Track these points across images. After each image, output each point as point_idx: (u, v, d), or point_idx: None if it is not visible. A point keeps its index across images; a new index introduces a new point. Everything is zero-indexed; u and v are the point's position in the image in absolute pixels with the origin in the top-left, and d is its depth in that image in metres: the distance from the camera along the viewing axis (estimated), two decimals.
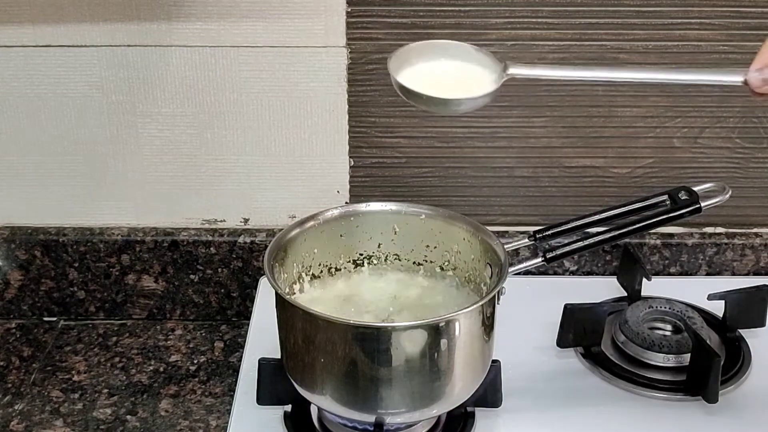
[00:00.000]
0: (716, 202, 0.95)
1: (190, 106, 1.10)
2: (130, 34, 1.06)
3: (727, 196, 0.95)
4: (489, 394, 0.94)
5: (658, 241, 1.17)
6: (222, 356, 1.11)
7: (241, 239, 1.15)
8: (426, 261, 0.99)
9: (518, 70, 0.81)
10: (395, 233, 0.97)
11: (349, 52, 1.08)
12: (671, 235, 1.17)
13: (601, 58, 1.08)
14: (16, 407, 1.02)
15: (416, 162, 1.14)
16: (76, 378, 1.07)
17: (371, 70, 1.09)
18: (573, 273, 1.19)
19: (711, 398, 0.94)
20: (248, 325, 1.09)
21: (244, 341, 1.06)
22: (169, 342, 1.14)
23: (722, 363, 0.96)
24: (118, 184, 1.14)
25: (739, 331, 1.06)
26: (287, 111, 1.11)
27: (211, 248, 1.15)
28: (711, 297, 1.06)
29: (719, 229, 1.18)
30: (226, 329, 1.16)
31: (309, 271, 0.97)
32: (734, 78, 0.80)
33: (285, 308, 0.86)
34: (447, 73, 0.83)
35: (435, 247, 0.97)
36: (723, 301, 1.06)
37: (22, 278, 1.16)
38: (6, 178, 1.14)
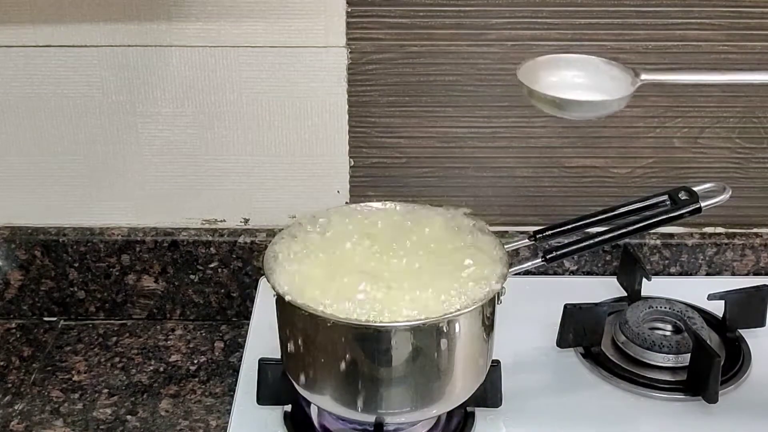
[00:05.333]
0: (716, 202, 0.94)
1: (190, 106, 1.10)
2: (130, 34, 1.07)
3: (727, 196, 0.95)
4: (489, 394, 0.94)
5: (658, 241, 1.17)
6: (222, 356, 1.11)
7: (241, 239, 1.15)
8: None
9: (650, 76, 0.84)
10: None
11: (349, 52, 1.08)
12: (671, 235, 1.17)
13: None
14: (16, 407, 1.02)
15: (416, 162, 1.14)
16: (76, 378, 1.07)
17: (371, 70, 1.09)
18: (573, 273, 1.19)
19: (711, 398, 0.94)
20: (248, 325, 1.09)
21: (244, 341, 1.06)
22: (169, 342, 1.14)
23: (722, 363, 0.96)
24: (118, 184, 1.14)
25: (739, 331, 1.06)
26: (287, 111, 1.11)
27: (211, 248, 1.15)
28: (711, 297, 1.06)
29: (719, 229, 1.18)
30: (226, 329, 1.16)
31: None
32: None
33: (285, 308, 0.86)
34: (578, 84, 0.85)
35: None
36: (723, 301, 1.06)
37: (22, 278, 1.16)
38: (6, 178, 1.14)
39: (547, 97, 0.83)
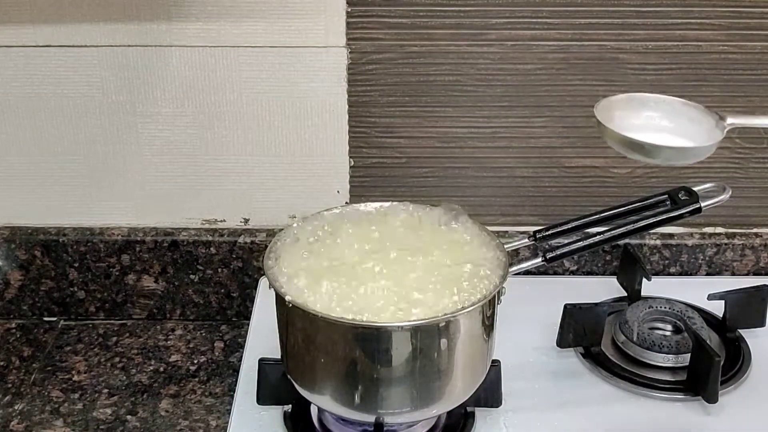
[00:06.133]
0: (716, 202, 0.95)
1: (190, 106, 1.10)
2: (130, 34, 1.07)
3: (727, 196, 0.95)
4: (489, 394, 0.94)
5: (658, 241, 1.17)
6: (222, 356, 1.11)
7: (241, 239, 1.15)
8: None
9: (738, 120, 0.82)
10: None
11: (349, 52, 1.08)
12: (671, 235, 1.17)
13: (600, 58, 1.08)
14: (16, 407, 1.02)
15: (416, 162, 1.14)
16: (76, 378, 1.07)
17: (371, 70, 1.09)
18: (573, 273, 1.19)
19: (711, 398, 0.94)
20: (248, 325, 1.09)
21: (244, 341, 1.06)
22: (169, 342, 1.14)
23: (722, 363, 0.96)
24: (118, 184, 1.14)
25: (739, 331, 1.06)
26: (287, 111, 1.11)
27: (211, 248, 1.15)
28: (711, 297, 1.06)
29: (719, 229, 1.18)
30: (226, 329, 1.16)
31: None
32: None
33: (285, 308, 0.86)
34: (658, 126, 0.84)
35: None
36: (723, 301, 1.06)
37: (22, 278, 1.16)
38: (6, 178, 1.14)
39: (636, 142, 0.81)
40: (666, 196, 0.96)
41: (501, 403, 0.94)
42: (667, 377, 0.99)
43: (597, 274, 1.19)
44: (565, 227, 0.97)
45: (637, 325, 1.02)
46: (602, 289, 1.13)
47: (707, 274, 1.19)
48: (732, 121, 0.82)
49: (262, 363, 0.95)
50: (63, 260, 1.15)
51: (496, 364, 0.93)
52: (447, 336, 0.83)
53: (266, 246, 0.91)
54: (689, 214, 0.94)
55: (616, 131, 0.82)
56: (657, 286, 1.09)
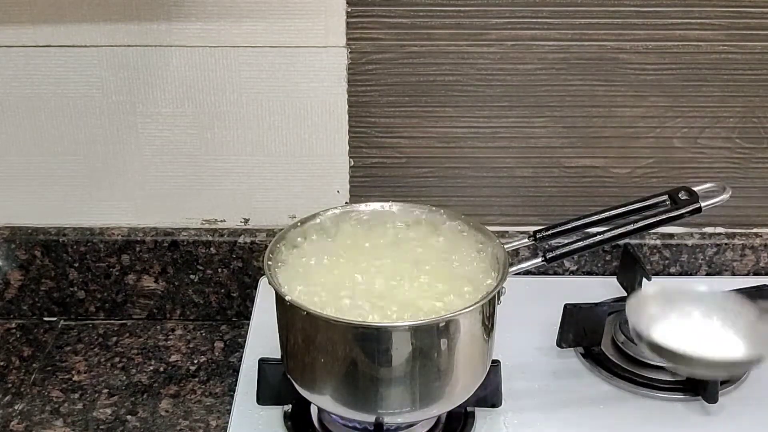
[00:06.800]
0: (716, 202, 0.95)
1: (190, 106, 1.10)
2: (130, 34, 1.07)
3: (727, 196, 0.95)
4: (489, 394, 0.94)
5: (658, 241, 1.17)
6: (222, 356, 1.11)
7: (241, 239, 1.15)
8: None
9: None
10: None
11: (349, 52, 1.08)
12: (671, 235, 1.17)
13: (600, 58, 1.08)
14: (16, 407, 1.02)
15: (416, 162, 1.14)
16: (76, 378, 1.07)
17: (371, 70, 1.09)
18: (573, 273, 1.19)
19: (711, 398, 0.94)
20: (248, 325, 1.09)
21: (244, 341, 1.06)
22: (169, 342, 1.14)
23: None
24: (118, 184, 1.14)
25: None
26: (287, 111, 1.11)
27: (211, 248, 1.15)
28: None
29: (719, 229, 1.18)
30: (226, 329, 1.16)
31: None
32: None
33: (285, 308, 0.86)
34: (700, 325, 0.82)
35: None
36: None
37: (22, 278, 1.16)
38: (6, 178, 1.14)
39: (693, 359, 0.77)
40: (666, 196, 0.96)
41: (501, 403, 0.94)
42: (667, 377, 0.99)
43: (597, 274, 1.19)
44: (565, 227, 0.97)
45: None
46: (602, 289, 1.13)
47: (707, 274, 1.19)
48: None
49: (262, 363, 0.95)
50: (63, 260, 1.15)
51: (496, 364, 0.93)
52: (447, 336, 0.83)
53: (266, 246, 0.91)
54: (689, 214, 0.94)
55: (666, 346, 0.77)
56: None
